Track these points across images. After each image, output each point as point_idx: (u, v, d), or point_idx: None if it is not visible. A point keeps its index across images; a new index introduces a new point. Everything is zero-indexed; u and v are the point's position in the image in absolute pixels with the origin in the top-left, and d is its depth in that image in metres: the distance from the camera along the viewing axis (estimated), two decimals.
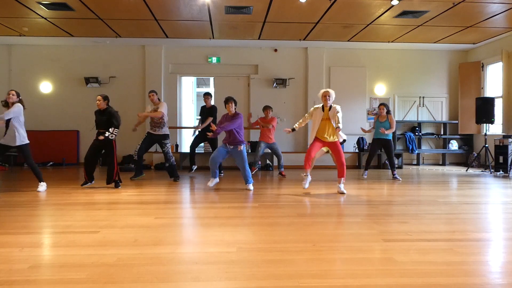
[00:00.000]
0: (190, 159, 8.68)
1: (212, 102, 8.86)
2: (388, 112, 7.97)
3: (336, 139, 5.93)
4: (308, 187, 6.11)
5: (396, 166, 10.50)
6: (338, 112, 5.76)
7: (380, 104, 8.07)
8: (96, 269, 2.58)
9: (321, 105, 5.99)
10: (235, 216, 4.38)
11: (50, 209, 4.77)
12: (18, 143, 5.84)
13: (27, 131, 6.10)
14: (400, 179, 7.85)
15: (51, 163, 10.44)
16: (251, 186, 6.29)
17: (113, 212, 4.56)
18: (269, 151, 8.78)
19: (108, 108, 6.40)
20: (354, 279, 2.43)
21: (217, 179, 6.43)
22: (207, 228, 3.84)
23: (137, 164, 7.56)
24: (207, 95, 8.60)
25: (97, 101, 6.39)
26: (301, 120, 6.27)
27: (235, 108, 6.29)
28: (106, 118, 6.32)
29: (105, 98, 6.45)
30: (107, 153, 6.40)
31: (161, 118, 7.36)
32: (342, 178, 5.93)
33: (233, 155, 6.28)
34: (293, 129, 6.19)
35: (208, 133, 6.58)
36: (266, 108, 8.60)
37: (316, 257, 2.87)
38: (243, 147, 6.25)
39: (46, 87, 10.74)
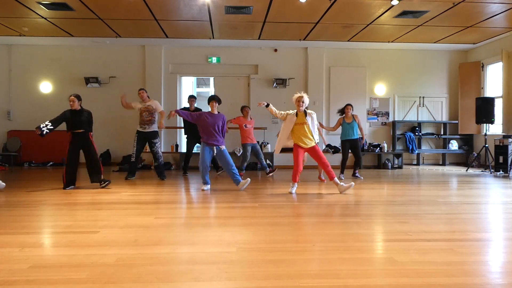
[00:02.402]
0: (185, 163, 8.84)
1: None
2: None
3: (314, 143, 5.94)
4: (296, 190, 6.02)
5: (396, 166, 10.53)
6: (316, 122, 5.99)
7: (348, 105, 7.99)
8: (96, 269, 2.58)
9: (294, 111, 5.99)
10: (235, 216, 4.37)
11: (50, 209, 4.78)
12: None
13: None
14: (362, 178, 7.89)
15: (51, 163, 10.44)
16: (241, 185, 6.22)
17: (113, 212, 4.56)
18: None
19: (82, 108, 6.40)
20: (354, 279, 2.43)
21: (209, 184, 6.32)
22: (207, 228, 3.84)
23: (134, 165, 7.71)
24: (192, 98, 8.62)
25: (71, 102, 6.28)
26: (280, 112, 6.08)
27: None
28: (86, 117, 6.33)
29: (79, 98, 6.42)
30: (90, 151, 6.39)
31: (153, 115, 7.54)
32: (335, 178, 5.93)
33: (218, 155, 6.22)
34: (268, 105, 6.08)
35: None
36: (245, 108, 8.50)
37: (316, 257, 2.86)
38: (224, 147, 6.23)
39: (46, 87, 10.75)
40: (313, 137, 5.93)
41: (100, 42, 10.42)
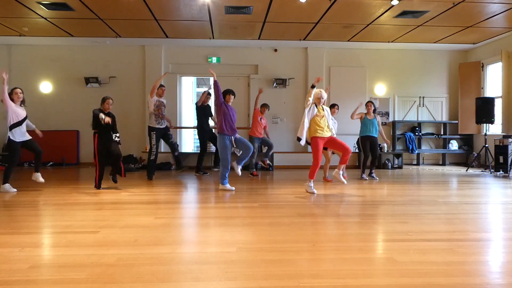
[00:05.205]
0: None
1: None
2: (375, 110, 8.06)
3: (331, 134, 5.99)
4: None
5: (396, 166, 10.53)
6: (331, 116, 6.12)
7: (369, 102, 8.04)
8: (96, 269, 2.58)
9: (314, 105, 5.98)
10: (235, 216, 4.38)
11: (50, 209, 4.78)
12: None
13: (27, 131, 6.18)
14: (377, 178, 7.81)
15: (51, 163, 10.43)
16: (223, 187, 6.13)
17: (113, 212, 4.56)
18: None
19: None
20: (354, 279, 2.43)
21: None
22: (207, 228, 3.84)
23: (155, 163, 7.74)
24: (208, 94, 8.75)
25: (110, 105, 6.33)
26: (309, 100, 5.92)
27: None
28: (114, 120, 6.36)
29: None
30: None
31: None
32: (343, 165, 5.99)
33: (237, 142, 6.24)
34: (313, 86, 6.02)
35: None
36: (265, 106, 8.62)
37: (316, 257, 2.86)
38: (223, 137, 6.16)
39: (46, 87, 10.74)
40: (329, 130, 5.97)
41: (100, 42, 10.42)
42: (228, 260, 2.77)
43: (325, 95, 6.03)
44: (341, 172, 6.01)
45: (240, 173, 6.26)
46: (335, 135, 6.10)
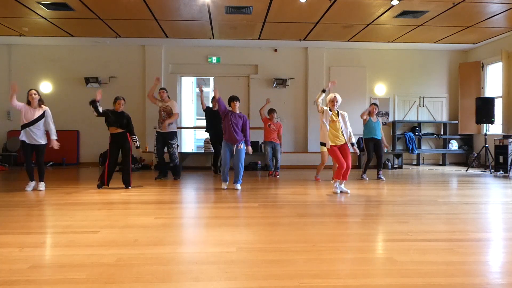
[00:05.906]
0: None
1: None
2: (378, 113, 8.12)
3: (344, 142, 5.94)
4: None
5: (396, 166, 10.53)
6: (348, 123, 5.97)
7: (373, 104, 8.07)
8: (96, 269, 2.58)
9: (328, 108, 5.98)
10: (235, 216, 4.38)
11: (50, 209, 4.78)
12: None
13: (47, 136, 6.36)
14: (384, 179, 7.81)
15: (51, 163, 10.42)
16: (238, 186, 6.28)
17: (113, 212, 4.56)
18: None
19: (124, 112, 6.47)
20: (354, 279, 2.43)
21: (228, 182, 6.43)
22: (207, 228, 3.84)
23: (160, 165, 7.81)
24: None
25: (121, 105, 6.38)
26: (321, 104, 6.04)
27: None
28: (126, 120, 6.40)
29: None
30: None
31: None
32: (343, 181, 5.95)
33: (235, 152, 6.32)
34: (324, 91, 6.13)
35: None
36: (272, 112, 8.54)
37: (316, 257, 2.86)
38: (243, 146, 6.33)
39: (46, 87, 10.74)
40: (343, 136, 5.92)
41: (100, 42, 10.42)
42: (228, 260, 2.77)
43: (339, 99, 5.96)
44: (342, 186, 5.96)
45: (239, 188, 6.26)
46: (351, 142, 5.98)
